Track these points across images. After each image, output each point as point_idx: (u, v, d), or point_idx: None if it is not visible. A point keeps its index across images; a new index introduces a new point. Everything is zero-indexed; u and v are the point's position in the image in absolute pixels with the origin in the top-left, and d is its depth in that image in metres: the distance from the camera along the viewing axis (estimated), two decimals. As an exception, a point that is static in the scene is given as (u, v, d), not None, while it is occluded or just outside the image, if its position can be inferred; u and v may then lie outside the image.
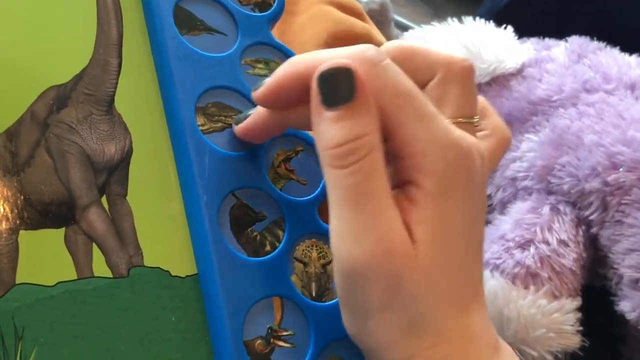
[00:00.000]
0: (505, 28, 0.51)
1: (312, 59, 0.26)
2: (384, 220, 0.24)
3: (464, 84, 0.27)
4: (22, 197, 0.28)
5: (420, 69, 0.28)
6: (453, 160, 0.24)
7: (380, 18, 0.83)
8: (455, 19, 0.54)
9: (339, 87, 0.24)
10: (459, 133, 0.25)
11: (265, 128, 0.30)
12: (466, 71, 0.27)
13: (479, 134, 0.32)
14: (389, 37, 0.81)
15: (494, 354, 0.25)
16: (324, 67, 0.25)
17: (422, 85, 0.28)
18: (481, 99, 0.32)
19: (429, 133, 0.24)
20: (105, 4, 0.33)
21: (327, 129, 0.24)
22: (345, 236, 0.24)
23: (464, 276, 0.25)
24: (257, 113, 0.30)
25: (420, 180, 0.24)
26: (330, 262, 0.33)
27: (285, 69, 0.27)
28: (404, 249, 0.24)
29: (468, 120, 0.27)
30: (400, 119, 0.24)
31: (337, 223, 0.24)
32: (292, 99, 0.27)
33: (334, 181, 0.24)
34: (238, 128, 0.31)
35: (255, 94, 0.28)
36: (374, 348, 0.25)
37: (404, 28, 1.24)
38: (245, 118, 0.31)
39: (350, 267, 0.24)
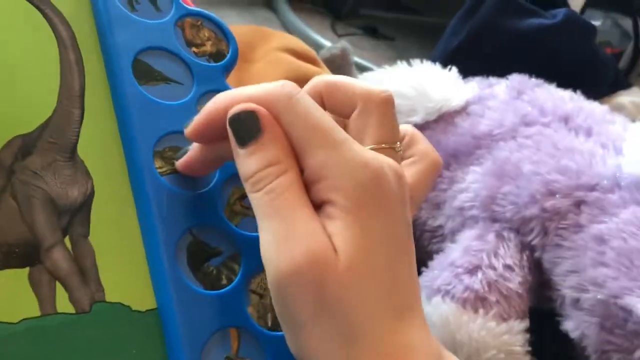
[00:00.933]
0: (450, 69, 0.55)
1: (231, 97, 0.29)
2: (303, 227, 0.26)
3: (382, 114, 0.29)
4: (-13, 240, 0.29)
5: (344, 101, 0.30)
6: (363, 178, 0.26)
7: (342, 62, 0.86)
8: (404, 62, 0.58)
9: (246, 127, 0.28)
10: (370, 154, 0.27)
11: (203, 161, 0.33)
12: (384, 102, 0.30)
13: (408, 160, 0.34)
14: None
15: None
16: (232, 111, 0.28)
17: (347, 116, 0.31)
18: (412, 129, 0.34)
19: (338, 157, 0.26)
20: (68, 57, 0.35)
21: (243, 163, 0.28)
22: (269, 247, 0.26)
23: (394, 287, 0.26)
24: (194, 148, 0.33)
25: (332, 198, 0.26)
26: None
27: (209, 107, 0.30)
28: (324, 254, 0.25)
29: (390, 146, 0.29)
30: (311, 146, 0.27)
31: (262, 237, 0.27)
32: (218, 134, 0.30)
33: (255, 204, 0.27)
34: (179, 163, 0.34)
35: (186, 131, 0.31)
36: None
37: (368, 71, 1.28)
38: (185, 153, 0.33)
39: (277, 277, 0.26)
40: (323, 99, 0.32)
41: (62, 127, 0.33)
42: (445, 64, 0.63)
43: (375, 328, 0.25)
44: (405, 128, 0.36)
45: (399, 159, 0.30)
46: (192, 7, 0.40)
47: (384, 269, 0.26)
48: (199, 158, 0.33)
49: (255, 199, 0.27)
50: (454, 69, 0.54)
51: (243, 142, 0.28)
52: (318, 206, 0.27)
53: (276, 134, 0.27)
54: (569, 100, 0.48)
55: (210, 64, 0.39)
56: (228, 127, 0.28)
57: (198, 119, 0.30)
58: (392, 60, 1.49)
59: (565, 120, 0.46)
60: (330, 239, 0.26)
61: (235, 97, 0.29)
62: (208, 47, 0.39)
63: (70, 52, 0.35)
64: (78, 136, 0.34)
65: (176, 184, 0.34)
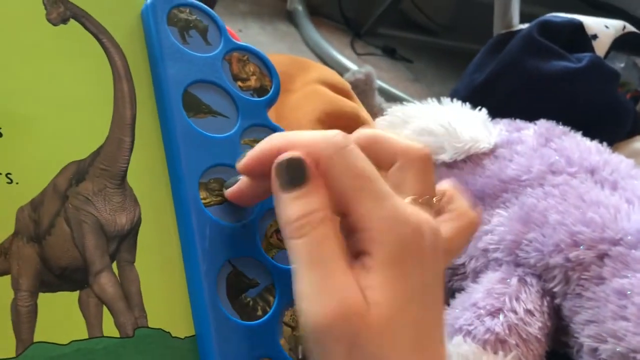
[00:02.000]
0: (480, 110, 0.56)
1: (286, 140, 0.30)
2: (339, 281, 0.26)
3: (421, 169, 0.31)
4: (42, 263, 0.31)
5: (384, 156, 0.32)
6: (402, 233, 0.27)
7: (365, 87, 0.88)
8: (434, 99, 0.59)
9: (292, 173, 0.29)
10: (411, 210, 0.28)
11: (251, 193, 0.34)
12: (423, 158, 0.31)
13: (444, 216, 0.35)
14: (372, 105, 0.85)
15: None
16: (280, 158, 0.29)
17: (385, 168, 0.32)
18: (451, 187, 0.35)
19: (381, 210, 0.27)
20: (122, 87, 0.36)
21: (285, 208, 0.29)
22: (305, 297, 0.27)
23: (424, 341, 0.27)
24: (243, 180, 0.34)
25: (372, 250, 0.27)
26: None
27: (264, 145, 0.31)
28: (357, 309, 0.26)
29: (426, 201, 0.31)
30: (357, 197, 0.28)
31: (298, 286, 0.28)
32: (267, 171, 0.31)
33: (293, 250, 0.28)
34: (228, 192, 0.35)
35: (238, 164, 0.33)
36: None
37: (387, 94, 1.30)
38: (235, 183, 0.35)
39: (312, 327, 0.27)
40: (364, 150, 0.33)
41: (114, 155, 0.34)
42: (467, 99, 0.65)
43: None
44: (445, 186, 0.37)
45: (434, 213, 0.31)
46: (240, 42, 0.42)
47: (414, 324, 0.27)
48: (248, 190, 0.34)
49: (294, 246, 0.28)
50: (484, 110, 0.55)
51: (288, 187, 0.29)
52: (355, 255, 0.28)
53: (320, 184, 0.28)
54: (596, 152, 0.49)
55: (254, 99, 0.40)
56: (274, 173, 0.29)
57: (250, 155, 0.32)
58: (409, 82, 1.51)
59: (592, 172, 0.47)
60: (363, 292, 0.27)
61: (290, 140, 0.30)
62: (252, 82, 0.41)
63: (124, 81, 0.37)
64: (128, 164, 0.35)
65: (219, 216, 0.35)
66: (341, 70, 1.35)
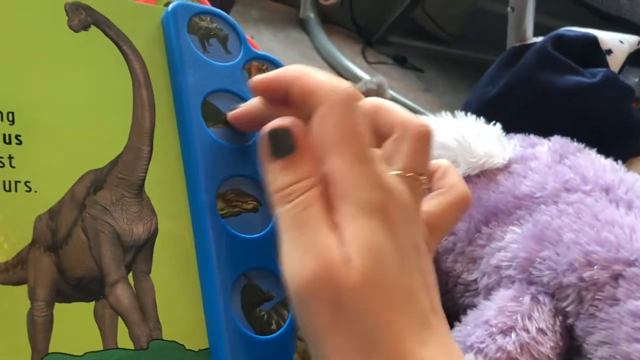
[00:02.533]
0: (494, 124, 0.56)
1: (299, 76, 0.30)
2: (321, 240, 0.27)
3: (415, 144, 0.30)
4: (58, 273, 0.30)
5: (383, 126, 0.32)
6: (374, 193, 0.27)
7: (377, 97, 0.87)
8: (448, 113, 0.59)
9: (282, 142, 0.29)
10: (392, 178, 0.29)
11: (253, 118, 0.35)
12: (419, 135, 0.31)
13: (436, 192, 0.35)
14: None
15: None
16: (269, 126, 0.30)
17: (385, 139, 0.32)
18: (446, 162, 0.35)
19: (354, 170, 0.28)
20: (141, 95, 0.36)
21: (274, 176, 0.29)
22: (291, 258, 0.27)
23: (407, 300, 0.27)
24: (249, 104, 0.35)
25: (339, 206, 0.27)
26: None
27: (282, 72, 0.32)
28: (340, 267, 0.26)
29: (415, 176, 0.30)
30: (338, 151, 0.28)
31: (284, 248, 0.28)
32: (275, 97, 0.32)
33: (280, 215, 0.29)
34: (231, 114, 0.36)
35: (253, 80, 0.33)
36: None
37: (398, 103, 1.29)
38: (237, 107, 0.36)
39: (295, 289, 0.27)
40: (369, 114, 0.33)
41: (132, 164, 0.34)
42: (480, 112, 0.64)
43: (392, 337, 0.26)
44: (440, 162, 0.37)
45: (421, 191, 0.31)
46: (259, 52, 0.42)
47: (395, 282, 0.27)
48: (251, 114, 0.35)
49: (282, 212, 0.29)
50: (498, 125, 0.55)
51: (277, 155, 0.29)
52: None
53: (307, 151, 0.29)
54: (610, 170, 0.49)
55: (273, 110, 0.40)
56: (263, 139, 0.30)
57: (263, 77, 0.33)
58: (420, 92, 1.51)
59: (607, 190, 0.47)
60: (344, 245, 0.27)
61: (302, 77, 0.30)
62: (271, 92, 0.41)
63: (143, 89, 0.37)
64: (146, 173, 0.35)
65: (235, 227, 0.35)
66: (352, 78, 1.35)
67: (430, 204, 0.35)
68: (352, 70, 1.40)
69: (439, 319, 0.28)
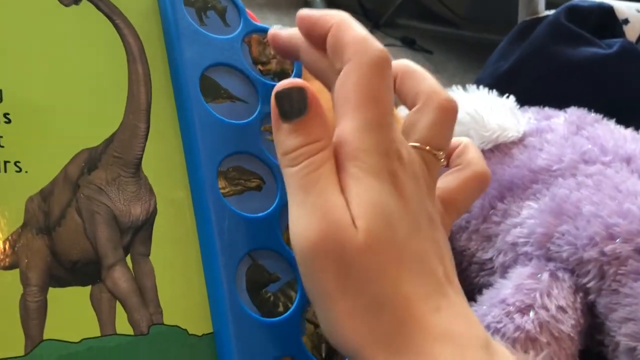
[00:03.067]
0: (507, 97, 0.54)
1: (337, 22, 0.29)
2: (329, 200, 0.26)
3: (438, 118, 0.29)
4: (52, 256, 0.29)
5: (409, 93, 0.31)
6: (385, 159, 0.26)
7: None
8: (459, 87, 0.57)
9: (293, 103, 0.28)
10: (404, 146, 0.28)
11: (292, 48, 0.34)
12: (444, 108, 0.30)
13: (454, 168, 0.34)
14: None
15: (483, 354, 0.25)
16: (279, 86, 0.29)
17: (409, 106, 0.31)
18: (467, 140, 0.34)
19: (371, 133, 0.27)
20: (136, 70, 0.35)
21: (284, 138, 0.28)
22: (298, 219, 0.27)
23: (417, 263, 0.26)
24: (294, 31, 0.34)
25: (347, 166, 0.27)
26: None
27: (322, 15, 0.31)
28: (347, 226, 0.25)
29: (432, 150, 0.29)
30: (360, 114, 0.27)
31: (291, 210, 0.28)
32: (317, 42, 0.31)
33: (288, 177, 0.28)
34: (272, 31, 0.35)
35: (299, 14, 0.32)
36: (348, 347, 0.26)
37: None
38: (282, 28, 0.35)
39: (304, 248, 0.26)
40: (395, 82, 0.32)
41: (128, 142, 0.33)
42: (492, 87, 0.62)
43: (402, 300, 0.25)
44: (461, 139, 0.36)
45: (438, 167, 0.30)
46: (260, 24, 0.40)
47: (404, 245, 0.26)
48: (289, 41, 0.34)
49: (290, 173, 0.28)
50: (512, 98, 0.53)
51: (288, 117, 0.28)
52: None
53: (320, 112, 0.28)
54: (631, 140, 0.47)
55: (275, 83, 0.38)
56: (273, 101, 0.29)
57: (313, 15, 0.31)
58: (430, 74, 1.49)
59: (627, 161, 0.45)
60: (350, 206, 0.26)
61: (342, 27, 0.29)
62: (273, 66, 0.39)
63: (138, 65, 0.35)
64: (143, 151, 0.33)
65: (238, 206, 0.33)
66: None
67: (447, 180, 0.34)
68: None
69: (455, 289, 0.27)
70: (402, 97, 0.31)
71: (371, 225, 0.25)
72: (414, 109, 0.30)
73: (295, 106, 0.28)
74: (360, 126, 0.27)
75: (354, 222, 0.26)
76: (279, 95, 0.29)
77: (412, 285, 0.25)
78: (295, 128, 0.28)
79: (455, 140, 0.34)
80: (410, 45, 1.56)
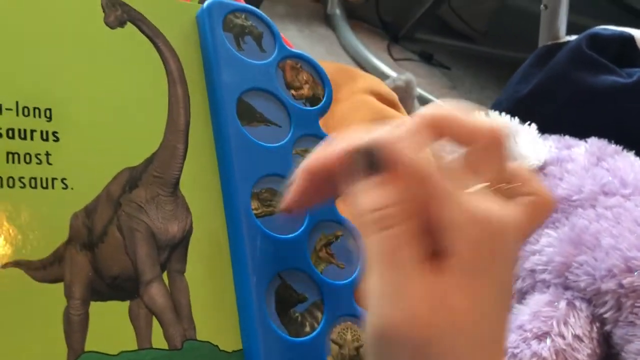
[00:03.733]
0: (529, 124, 0.55)
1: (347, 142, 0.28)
2: (412, 288, 0.25)
3: (494, 154, 0.29)
4: (94, 271, 0.30)
5: (460, 135, 0.29)
6: (485, 233, 0.25)
7: (404, 94, 0.87)
8: (482, 112, 0.58)
9: (372, 159, 0.27)
10: (496, 209, 0.26)
11: (305, 199, 0.31)
12: (497, 141, 0.29)
13: (518, 199, 0.33)
14: (411, 113, 0.84)
15: None
16: (360, 144, 0.27)
17: (463, 145, 0.30)
18: (525, 168, 0.33)
19: (462, 207, 0.25)
20: (176, 92, 0.36)
21: (362, 196, 0.26)
22: (378, 299, 0.25)
23: (491, 345, 0.26)
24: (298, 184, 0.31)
25: (452, 250, 0.25)
26: (362, 345, 0.35)
27: (324, 149, 0.29)
28: (431, 319, 0.25)
29: (498, 188, 0.29)
30: (438, 194, 0.26)
31: (369, 284, 0.26)
32: (328, 174, 0.29)
33: (368, 245, 0.26)
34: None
35: (300, 168, 0.30)
36: None
37: (424, 101, 1.28)
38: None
39: (379, 331, 0.25)
40: (441, 127, 0.30)
41: (167, 162, 0.34)
42: (512, 111, 0.63)
43: None
44: (519, 166, 0.36)
45: (509, 199, 0.29)
46: (294, 50, 0.41)
47: (488, 333, 0.26)
48: (302, 196, 0.31)
49: (370, 241, 0.26)
50: (534, 126, 0.54)
51: (366, 172, 0.27)
52: (434, 254, 0.26)
53: (408, 171, 0.26)
54: (651, 172, 0.48)
55: (307, 108, 0.39)
56: (350, 158, 0.27)
57: (313, 158, 0.30)
58: (446, 89, 1.50)
59: (647, 194, 0.46)
60: (439, 295, 0.25)
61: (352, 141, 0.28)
62: (305, 91, 0.40)
63: (178, 86, 0.36)
64: (181, 171, 0.34)
65: (270, 227, 0.34)
66: (377, 74, 1.33)
67: (516, 212, 0.33)
68: (377, 66, 1.39)
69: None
70: (452, 139, 0.30)
71: (460, 321, 0.25)
72: (471, 149, 0.29)
73: (376, 161, 0.26)
74: (452, 205, 0.26)
75: (442, 310, 0.25)
76: (359, 151, 0.27)
77: None
78: (375, 184, 0.26)
79: (512, 167, 0.35)
80: (428, 60, 1.57)
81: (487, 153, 0.29)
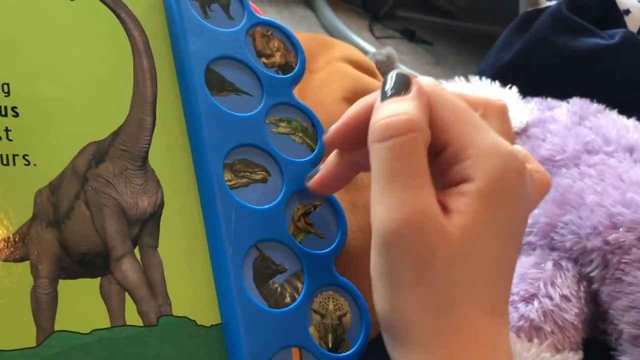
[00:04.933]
0: (510, 88, 0.54)
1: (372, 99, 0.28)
2: (418, 195, 0.25)
3: (502, 120, 0.30)
4: (62, 248, 0.29)
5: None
6: (508, 165, 0.26)
7: (386, 69, 0.86)
8: (462, 78, 0.57)
9: (395, 82, 0.27)
10: (513, 146, 0.27)
11: (337, 176, 0.32)
12: (503, 108, 0.30)
13: None
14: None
15: None
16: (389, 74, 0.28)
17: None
18: (521, 148, 0.33)
19: (485, 140, 0.26)
20: (142, 64, 0.35)
21: (377, 111, 0.27)
22: (382, 204, 0.25)
23: (497, 279, 0.26)
24: (327, 164, 0.32)
25: (473, 176, 0.26)
26: (345, 314, 0.34)
27: (351, 110, 0.30)
28: (436, 225, 0.25)
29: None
30: (460, 127, 0.26)
31: (375, 192, 0.26)
32: (359, 138, 0.29)
33: (374, 155, 0.26)
34: (312, 182, 0.33)
35: (326, 137, 0.31)
36: (402, 326, 0.26)
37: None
38: (316, 173, 0.33)
39: (385, 233, 0.25)
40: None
41: (134, 135, 0.33)
42: (493, 78, 0.62)
43: (470, 308, 0.25)
44: (518, 148, 0.35)
45: None
46: (264, 17, 0.40)
47: (494, 258, 0.26)
48: (334, 174, 0.32)
49: (377, 151, 0.26)
50: (514, 89, 0.53)
51: (387, 95, 0.27)
52: (455, 184, 0.26)
53: (422, 98, 0.26)
54: (634, 129, 0.47)
55: (279, 76, 0.38)
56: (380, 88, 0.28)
57: (339, 123, 0.30)
58: (429, 66, 1.49)
59: (630, 150, 0.45)
60: (453, 213, 0.25)
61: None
62: (277, 58, 0.39)
63: (143, 58, 0.35)
64: (149, 144, 0.33)
65: (244, 198, 0.34)
66: (359, 52, 1.32)
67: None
68: (360, 45, 1.38)
69: (508, 298, 0.28)
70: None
71: (471, 238, 0.25)
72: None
73: (398, 86, 0.27)
74: (475, 136, 0.27)
75: (450, 225, 0.25)
76: (385, 79, 0.28)
77: (485, 297, 0.25)
78: (391, 101, 0.27)
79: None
80: (410, 37, 1.56)
81: (496, 118, 0.29)
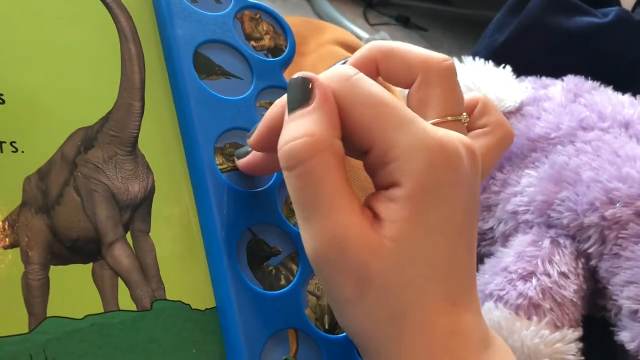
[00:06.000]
0: (504, 67, 0.53)
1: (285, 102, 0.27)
2: (336, 220, 0.24)
3: (445, 84, 0.27)
4: (52, 234, 0.29)
5: (402, 70, 0.28)
6: (435, 160, 0.24)
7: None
8: (455, 58, 0.56)
9: (294, 94, 0.26)
10: (442, 133, 0.25)
11: (265, 163, 0.32)
12: (446, 70, 0.28)
13: (480, 130, 0.32)
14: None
15: (482, 348, 0.25)
16: (291, 78, 0.26)
17: (406, 85, 0.29)
18: (483, 97, 0.32)
19: (408, 137, 0.24)
20: (129, 49, 0.35)
21: (283, 130, 0.25)
22: (304, 231, 0.25)
23: (449, 272, 0.25)
24: (253, 154, 0.32)
25: (401, 181, 0.24)
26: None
27: (268, 114, 0.29)
28: (364, 242, 0.24)
29: (455, 118, 0.27)
30: (379, 127, 0.25)
31: (298, 218, 0.26)
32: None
33: (287, 182, 0.25)
34: (240, 162, 0.33)
35: (249, 141, 0.30)
36: (361, 340, 0.26)
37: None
38: (246, 153, 0.32)
39: (315, 259, 0.25)
40: (378, 68, 0.30)
41: (123, 120, 0.33)
42: (488, 60, 0.62)
43: (423, 310, 0.24)
44: (477, 96, 0.34)
45: (465, 130, 0.28)
46: (252, 0, 0.39)
47: (440, 255, 0.25)
48: (260, 161, 0.32)
49: (286, 180, 0.25)
50: (508, 68, 0.53)
51: (290, 107, 0.25)
52: (386, 187, 0.25)
53: (326, 107, 0.25)
54: (629, 105, 0.47)
55: (269, 59, 0.38)
56: (290, 86, 0.26)
57: (260, 128, 0.29)
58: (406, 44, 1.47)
59: (625, 126, 0.45)
60: (385, 223, 0.24)
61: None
62: (266, 42, 0.39)
63: (131, 43, 0.35)
64: (139, 130, 0.33)
65: (236, 182, 0.33)
66: (354, 40, 1.32)
67: (477, 144, 0.32)
68: (355, 33, 1.37)
69: (474, 284, 0.26)
70: (393, 79, 0.29)
71: (404, 243, 0.24)
72: (415, 85, 0.28)
73: (297, 96, 0.25)
74: (395, 135, 0.25)
75: (382, 237, 0.24)
76: (288, 86, 0.26)
77: (438, 294, 0.25)
78: (294, 118, 0.25)
79: (470, 97, 0.33)
80: (405, 23, 1.55)
81: (432, 87, 0.28)
